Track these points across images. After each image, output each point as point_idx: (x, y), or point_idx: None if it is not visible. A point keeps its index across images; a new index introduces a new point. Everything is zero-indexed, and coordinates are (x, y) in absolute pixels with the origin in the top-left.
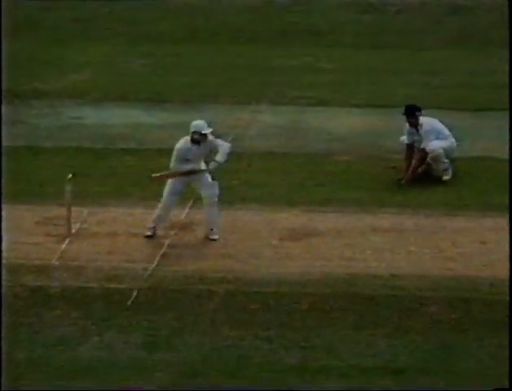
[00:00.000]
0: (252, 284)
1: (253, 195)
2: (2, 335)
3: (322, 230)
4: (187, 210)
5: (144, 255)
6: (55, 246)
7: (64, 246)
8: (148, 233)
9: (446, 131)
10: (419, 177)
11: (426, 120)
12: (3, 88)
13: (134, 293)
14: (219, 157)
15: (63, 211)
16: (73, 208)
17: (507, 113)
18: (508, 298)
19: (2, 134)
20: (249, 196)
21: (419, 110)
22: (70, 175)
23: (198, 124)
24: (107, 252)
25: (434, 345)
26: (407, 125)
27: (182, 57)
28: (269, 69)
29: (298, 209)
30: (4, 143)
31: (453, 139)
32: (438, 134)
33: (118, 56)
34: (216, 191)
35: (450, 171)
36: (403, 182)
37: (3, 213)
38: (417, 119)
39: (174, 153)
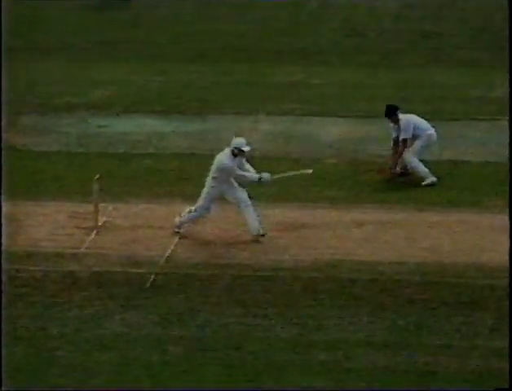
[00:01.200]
0: (252, 270)
1: (252, 193)
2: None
3: (312, 223)
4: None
5: (161, 244)
6: (85, 237)
7: (91, 237)
8: (176, 230)
9: (424, 124)
10: (405, 176)
11: (404, 116)
12: (37, 102)
13: (152, 277)
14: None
15: (91, 207)
16: (100, 205)
17: (472, 123)
18: (472, 281)
19: (40, 141)
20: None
21: (397, 108)
22: (97, 176)
23: (239, 141)
24: (129, 242)
25: (409, 322)
26: (391, 124)
27: (192, 75)
28: (267, 85)
29: (292, 205)
30: (41, 149)
31: (432, 130)
32: (415, 127)
33: (138, 74)
34: (245, 195)
35: (430, 177)
36: (392, 171)
37: (40, 210)
38: (396, 116)
39: (228, 170)
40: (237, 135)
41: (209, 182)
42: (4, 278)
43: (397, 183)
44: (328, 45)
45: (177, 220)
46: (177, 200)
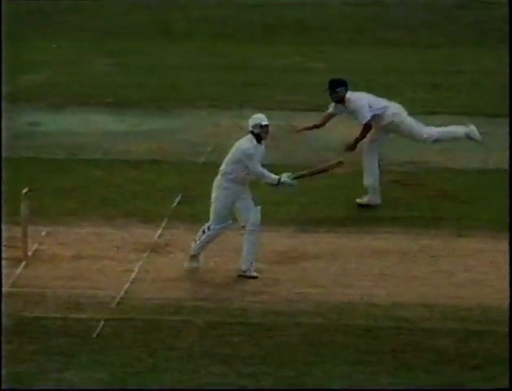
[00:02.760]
0: (235, 314)
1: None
2: None
3: (314, 252)
4: (160, 230)
5: (112, 281)
6: (9, 270)
7: (18, 270)
8: (194, 264)
9: (380, 103)
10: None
11: (354, 95)
12: None
13: (101, 325)
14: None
15: (17, 230)
16: (29, 228)
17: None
18: None
19: None
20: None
21: (342, 85)
22: (26, 189)
23: (257, 117)
24: (68, 278)
25: (442, 385)
26: (332, 104)
27: (153, 55)
28: (253, 69)
29: (288, 229)
30: None
31: (392, 111)
32: (369, 107)
33: (80, 54)
34: (258, 217)
35: (374, 195)
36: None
37: None
38: (338, 94)
39: (250, 158)
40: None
41: (219, 183)
42: None
43: (424, 198)
44: (333, 17)
45: (193, 247)
46: (134, 222)
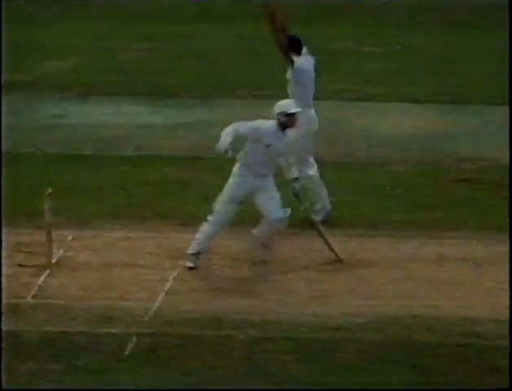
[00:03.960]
0: (283, 329)
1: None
2: None
3: (372, 259)
4: None
5: (145, 291)
6: (31, 279)
7: (41, 279)
8: (190, 264)
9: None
10: None
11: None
12: None
13: (133, 340)
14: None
15: (40, 235)
16: (54, 232)
17: None
18: None
19: None
20: None
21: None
22: (49, 190)
23: (283, 103)
24: (97, 288)
25: None
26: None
27: (191, 40)
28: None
29: (342, 233)
30: None
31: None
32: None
33: (109, 39)
34: (285, 214)
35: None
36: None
37: None
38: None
39: (249, 124)
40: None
41: (234, 170)
42: None
43: (499, 199)
44: None
45: (192, 245)
46: (170, 226)
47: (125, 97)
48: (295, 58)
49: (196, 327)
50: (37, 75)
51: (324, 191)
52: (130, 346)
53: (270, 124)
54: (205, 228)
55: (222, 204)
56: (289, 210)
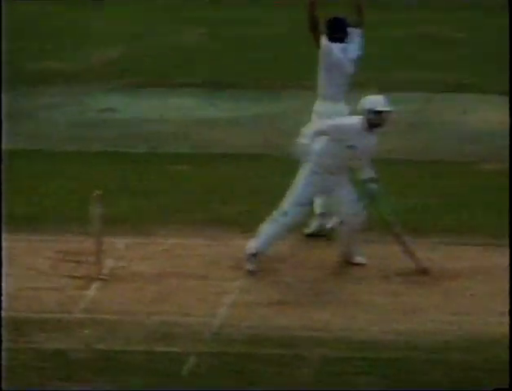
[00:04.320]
0: (359, 348)
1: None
2: None
3: (461, 270)
4: None
5: (205, 304)
6: (79, 292)
7: (91, 293)
8: (250, 266)
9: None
10: None
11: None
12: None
13: (191, 360)
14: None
15: (89, 243)
16: (104, 239)
17: None
18: None
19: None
20: None
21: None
22: (98, 192)
23: (373, 99)
24: (152, 301)
25: None
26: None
27: (252, 25)
28: (371, 41)
29: (428, 240)
30: (6, 146)
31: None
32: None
33: (164, 23)
34: (361, 211)
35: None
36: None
37: (5, 246)
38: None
39: (331, 124)
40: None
41: (308, 166)
42: None
43: None
44: None
45: (252, 245)
46: (232, 232)
47: (179, 88)
48: (324, 40)
49: (261, 345)
50: (84, 64)
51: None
52: (187, 366)
53: (355, 121)
54: (269, 228)
55: (292, 205)
56: (361, 207)
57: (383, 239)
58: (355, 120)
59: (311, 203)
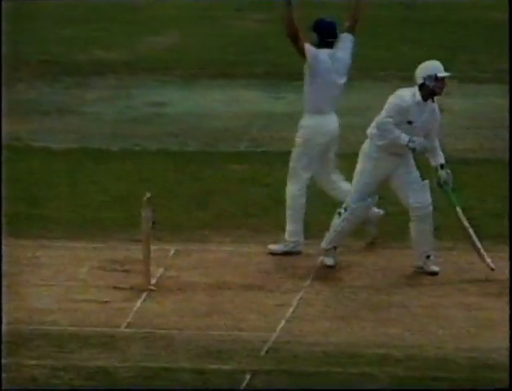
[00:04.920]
0: (431, 366)
1: (437, 223)
2: None
3: None
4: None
5: (263, 318)
6: (126, 304)
7: (138, 304)
8: (328, 261)
9: None
10: None
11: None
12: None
13: (247, 378)
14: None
15: (137, 250)
16: (153, 246)
17: None
18: None
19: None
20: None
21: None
22: (148, 194)
23: (431, 65)
24: (204, 314)
25: None
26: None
27: (320, 8)
28: (458, 25)
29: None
30: (48, 144)
31: None
32: None
33: (220, 8)
34: (427, 197)
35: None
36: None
37: (46, 254)
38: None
39: (390, 107)
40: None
41: (366, 151)
42: None
43: None
44: None
45: (324, 242)
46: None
47: (238, 80)
48: (309, 47)
49: (324, 362)
50: (134, 54)
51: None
52: (243, 386)
53: (409, 93)
54: (337, 224)
55: (356, 196)
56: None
57: (457, 246)
58: (409, 92)
59: (376, 191)
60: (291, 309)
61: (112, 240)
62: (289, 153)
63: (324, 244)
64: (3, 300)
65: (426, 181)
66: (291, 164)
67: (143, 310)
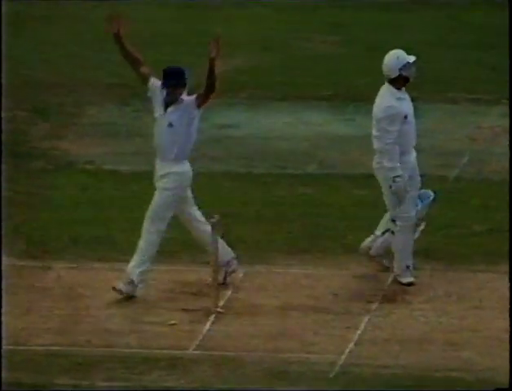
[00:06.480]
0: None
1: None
2: None
3: None
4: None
5: (330, 341)
6: (195, 326)
7: (206, 327)
8: (406, 279)
9: None
10: None
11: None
12: None
13: None
14: None
15: (205, 272)
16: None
17: None
18: None
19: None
20: (493, 249)
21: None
22: (216, 217)
23: (398, 53)
24: (272, 337)
25: None
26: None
27: (388, 29)
28: None
29: None
30: (120, 167)
31: None
32: None
33: (291, 29)
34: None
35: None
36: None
37: (110, 277)
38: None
39: (393, 120)
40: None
41: (378, 166)
42: None
43: None
44: None
45: (396, 270)
46: (360, 260)
47: (306, 102)
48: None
49: (393, 385)
50: (200, 76)
51: None
52: None
53: (388, 92)
54: (397, 240)
55: (407, 204)
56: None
57: None
58: (387, 90)
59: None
60: (359, 332)
61: (180, 262)
62: (357, 176)
63: (397, 270)
64: (78, 322)
65: (431, 195)
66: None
67: (211, 333)
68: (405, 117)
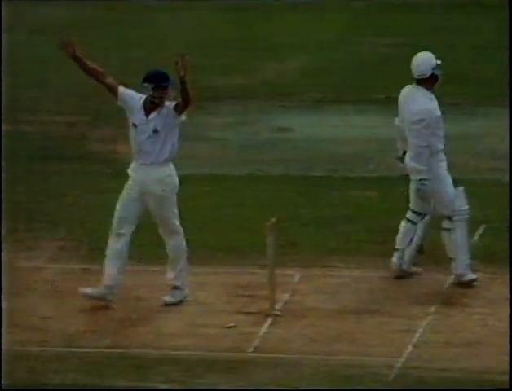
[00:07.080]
0: None
1: None
2: None
3: None
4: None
5: (389, 344)
6: (252, 329)
7: (263, 330)
8: (469, 276)
9: None
10: None
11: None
12: None
13: None
14: None
15: (262, 275)
16: (278, 271)
17: None
18: None
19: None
20: None
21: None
22: (273, 219)
23: (426, 57)
24: (330, 340)
25: None
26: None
27: (445, 32)
28: None
29: None
30: (179, 172)
31: None
32: None
33: (347, 32)
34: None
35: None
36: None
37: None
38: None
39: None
40: None
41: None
42: None
43: None
44: None
45: (459, 270)
46: (418, 263)
47: (363, 105)
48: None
49: (453, 388)
50: (258, 79)
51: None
52: None
53: (420, 93)
54: (457, 236)
55: (459, 198)
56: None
57: None
58: (423, 99)
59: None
60: (418, 335)
61: (237, 265)
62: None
63: (460, 270)
64: (136, 324)
65: (461, 188)
66: None
67: (269, 335)
68: (437, 119)
